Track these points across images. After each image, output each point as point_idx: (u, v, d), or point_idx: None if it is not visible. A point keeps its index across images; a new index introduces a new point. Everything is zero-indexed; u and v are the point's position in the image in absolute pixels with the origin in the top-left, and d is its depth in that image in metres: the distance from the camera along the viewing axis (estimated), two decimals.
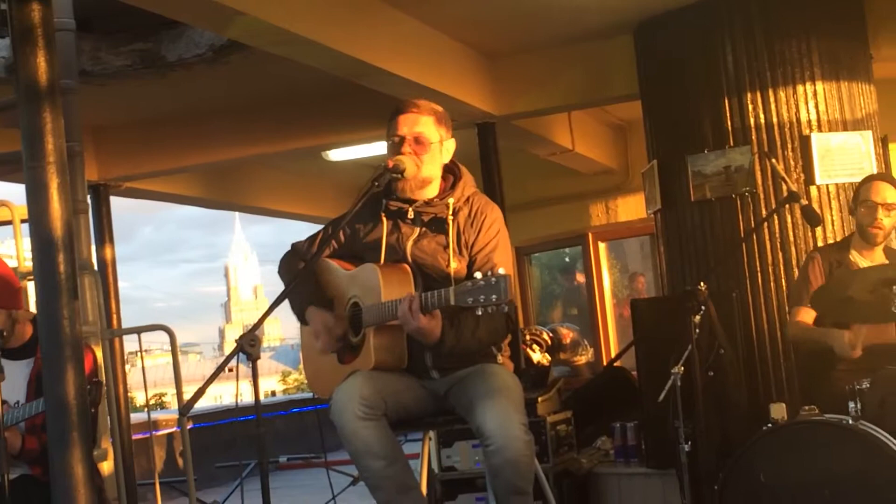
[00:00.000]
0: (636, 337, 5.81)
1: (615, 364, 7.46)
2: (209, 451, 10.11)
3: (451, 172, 3.76)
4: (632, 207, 8.55)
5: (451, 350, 3.52)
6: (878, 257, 4.65)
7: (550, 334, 7.25)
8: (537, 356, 6.85)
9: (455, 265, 3.58)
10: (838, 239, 5.16)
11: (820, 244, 5.28)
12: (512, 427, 3.42)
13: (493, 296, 3.17)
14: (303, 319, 3.79)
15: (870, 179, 4.75)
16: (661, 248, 6.03)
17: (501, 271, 3.20)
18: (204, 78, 6.46)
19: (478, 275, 3.23)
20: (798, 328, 4.71)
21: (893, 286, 4.04)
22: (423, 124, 3.63)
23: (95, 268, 5.13)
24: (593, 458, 6.04)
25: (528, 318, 9.17)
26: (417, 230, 3.67)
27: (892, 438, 4.02)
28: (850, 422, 4.06)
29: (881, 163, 5.59)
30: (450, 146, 3.71)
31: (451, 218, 3.62)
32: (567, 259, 10.16)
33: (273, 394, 47.14)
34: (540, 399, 5.69)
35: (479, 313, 3.22)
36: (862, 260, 4.62)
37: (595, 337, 8.94)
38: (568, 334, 8.09)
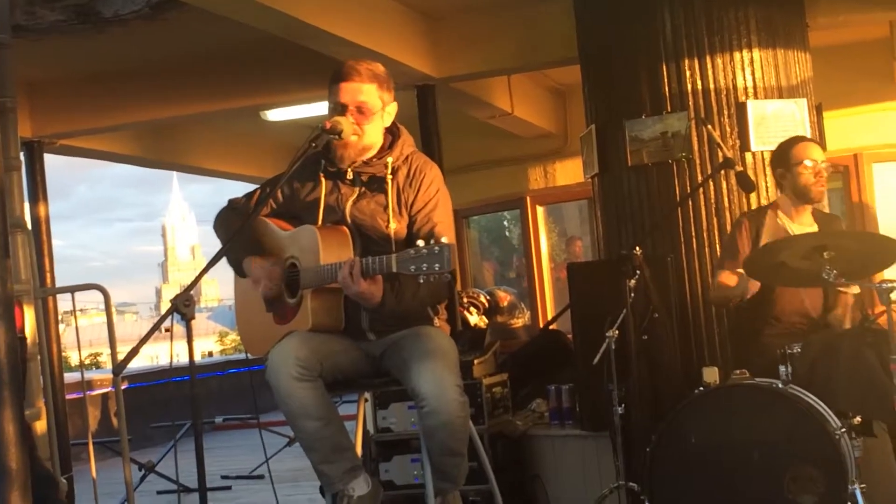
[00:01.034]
0: (572, 300, 5.83)
1: (551, 327, 7.51)
2: (144, 411, 10.05)
3: (389, 132, 3.73)
4: (570, 171, 8.56)
5: (391, 312, 3.52)
6: (806, 219, 4.67)
7: (488, 297, 7.25)
8: (474, 319, 6.85)
9: (395, 225, 3.58)
10: None
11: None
12: (447, 389, 3.43)
13: (437, 265, 3.15)
14: (240, 270, 3.76)
15: (800, 140, 4.73)
16: (597, 212, 6.04)
17: (445, 240, 3.18)
18: (141, 34, 6.36)
19: (420, 243, 3.20)
20: (718, 289, 4.77)
21: (825, 252, 4.08)
22: (366, 93, 3.60)
23: (29, 226, 5.04)
24: (528, 420, 6.04)
25: (465, 281, 9.17)
26: (357, 190, 3.66)
27: (820, 402, 4.07)
28: (780, 385, 4.10)
29: (815, 130, 5.63)
30: (392, 110, 3.69)
31: (389, 177, 3.62)
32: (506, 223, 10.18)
33: (210, 354, 46.95)
34: (476, 361, 5.68)
35: (421, 281, 3.20)
36: (790, 223, 4.66)
37: (532, 300, 8.98)
38: (505, 297, 8.10)
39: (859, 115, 7.51)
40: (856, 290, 4.62)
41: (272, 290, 3.67)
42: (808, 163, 4.59)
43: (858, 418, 4.11)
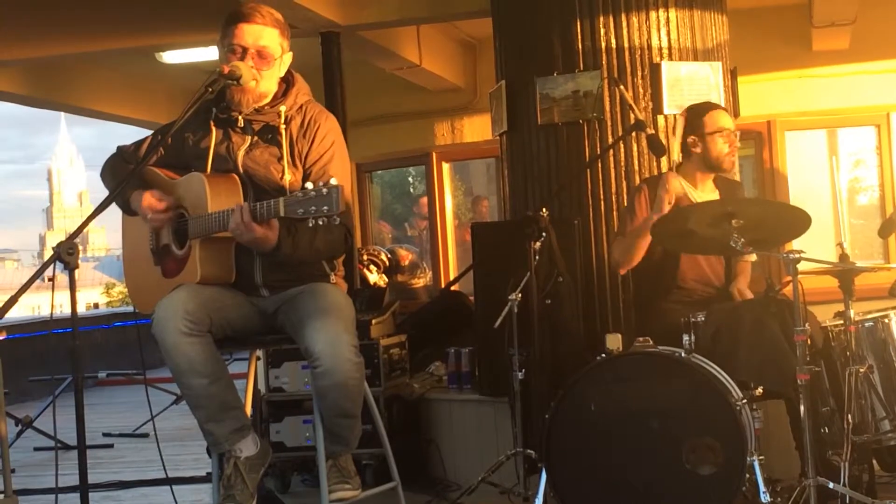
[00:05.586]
0: (475, 261, 5.74)
1: (452, 288, 7.41)
2: (23, 363, 9.70)
3: (283, 80, 3.67)
4: (478, 128, 8.43)
5: (287, 259, 3.46)
6: (708, 187, 4.65)
7: (388, 255, 7.14)
8: (374, 277, 6.74)
9: (289, 177, 3.52)
10: None
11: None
12: (342, 348, 3.39)
13: (325, 207, 3.10)
14: (129, 209, 3.67)
15: (713, 107, 4.68)
16: (505, 171, 5.94)
17: (333, 181, 3.13)
18: None
19: (309, 185, 3.16)
20: (617, 246, 4.68)
21: (733, 220, 4.03)
22: (268, 37, 3.53)
23: None
24: (426, 383, 5.98)
25: (366, 238, 9.02)
26: (249, 139, 3.59)
27: (722, 372, 4.09)
28: (683, 354, 4.13)
29: (729, 95, 5.57)
30: (287, 59, 3.64)
31: (283, 127, 3.56)
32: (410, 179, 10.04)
33: (96, 306, 46.08)
34: (374, 321, 5.59)
35: (311, 224, 3.15)
36: (691, 189, 4.62)
37: (434, 260, 8.86)
38: (407, 256, 8.00)
39: (774, 82, 7.52)
40: (753, 257, 4.60)
41: (162, 220, 3.59)
42: (723, 130, 4.55)
43: (760, 389, 4.12)
